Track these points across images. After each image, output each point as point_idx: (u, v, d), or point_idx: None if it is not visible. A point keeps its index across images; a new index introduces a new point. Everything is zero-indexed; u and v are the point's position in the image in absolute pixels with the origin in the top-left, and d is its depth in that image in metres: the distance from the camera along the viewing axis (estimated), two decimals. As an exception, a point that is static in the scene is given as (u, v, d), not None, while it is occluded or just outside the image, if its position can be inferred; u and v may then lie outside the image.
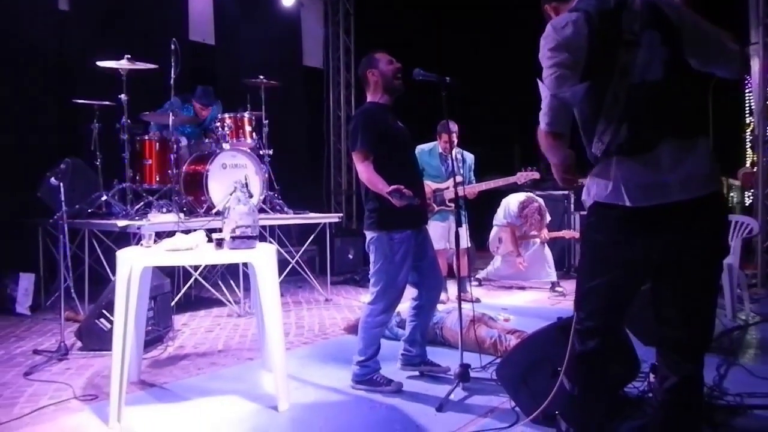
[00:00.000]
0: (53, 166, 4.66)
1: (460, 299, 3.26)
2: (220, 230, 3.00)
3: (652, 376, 3.12)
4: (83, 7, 6.54)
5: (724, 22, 1.92)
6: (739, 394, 2.94)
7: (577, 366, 1.96)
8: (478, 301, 5.90)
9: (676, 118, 1.78)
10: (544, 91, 1.80)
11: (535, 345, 2.71)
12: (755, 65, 6.01)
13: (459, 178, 5.67)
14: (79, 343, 3.99)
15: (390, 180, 3.00)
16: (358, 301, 5.75)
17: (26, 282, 5.15)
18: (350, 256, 7.86)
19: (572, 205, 7.41)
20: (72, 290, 4.85)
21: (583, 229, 1.88)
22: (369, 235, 3.22)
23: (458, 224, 3.32)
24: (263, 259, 2.92)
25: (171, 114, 5.16)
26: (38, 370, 3.51)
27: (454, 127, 5.39)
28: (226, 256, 3.02)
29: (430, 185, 5.55)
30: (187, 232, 3.42)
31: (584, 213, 7.05)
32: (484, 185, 5.59)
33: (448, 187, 5.62)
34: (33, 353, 3.87)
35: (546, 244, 6.35)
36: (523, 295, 6.20)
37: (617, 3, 1.80)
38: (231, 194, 3.10)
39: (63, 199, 4.06)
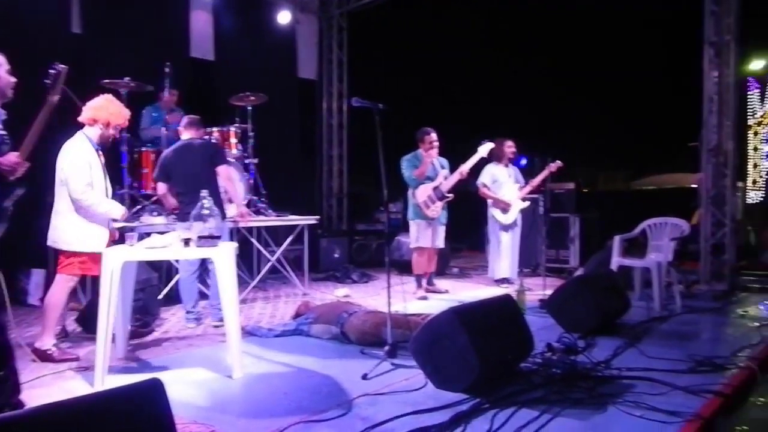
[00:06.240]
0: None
1: (389, 287, 3.88)
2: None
3: (549, 353, 3.74)
4: (94, 30, 7.11)
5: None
6: (619, 368, 3.52)
7: None
8: (446, 292, 6.56)
9: None
10: None
11: (437, 325, 3.30)
12: None
13: (446, 172, 6.32)
14: (80, 328, 4.66)
15: None
16: (332, 295, 6.35)
17: (37, 277, 5.80)
18: (336, 255, 8.47)
19: (540, 208, 7.92)
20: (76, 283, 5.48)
21: None
22: None
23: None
24: (223, 255, 3.56)
25: (164, 129, 5.84)
26: (44, 348, 4.17)
27: (434, 134, 6.24)
28: (192, 252, 3.65)
29: (426, 186, 6.17)
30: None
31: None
32: (465, 165, 6.22)
33: (440, 182, 6.20)
34: (40, 336, 4.53)
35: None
36: (493, 290, 6.69)
37: None
38: (199, 204, 3.73)
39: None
